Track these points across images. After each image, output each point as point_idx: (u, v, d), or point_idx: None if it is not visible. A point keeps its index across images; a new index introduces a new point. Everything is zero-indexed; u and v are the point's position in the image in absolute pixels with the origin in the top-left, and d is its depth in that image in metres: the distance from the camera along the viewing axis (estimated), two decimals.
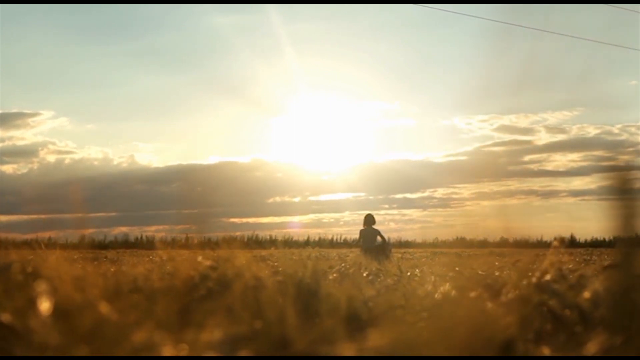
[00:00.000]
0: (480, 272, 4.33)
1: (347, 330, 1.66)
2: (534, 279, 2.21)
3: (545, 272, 2.34)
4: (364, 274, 4.86)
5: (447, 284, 2.30)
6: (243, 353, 1.30)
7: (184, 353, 1.22)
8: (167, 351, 1.21)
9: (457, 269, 5.56)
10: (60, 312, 1.35)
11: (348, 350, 1.35)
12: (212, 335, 1.25)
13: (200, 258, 2.37)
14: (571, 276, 3.11)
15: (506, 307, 1.79)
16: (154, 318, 1.43)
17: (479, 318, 1.50)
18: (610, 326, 1.61)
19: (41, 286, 1.41)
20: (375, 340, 1.39)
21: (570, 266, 6.22)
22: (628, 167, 1.90)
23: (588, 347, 1.47)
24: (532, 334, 1.56)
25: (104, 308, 1.39)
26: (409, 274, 4.47)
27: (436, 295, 2.08)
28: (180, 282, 2.09)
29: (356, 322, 1.84)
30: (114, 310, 1.39)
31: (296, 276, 2.27)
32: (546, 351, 1.46)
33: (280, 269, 2.62)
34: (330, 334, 1.51)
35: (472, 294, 2.23)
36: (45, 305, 1.33)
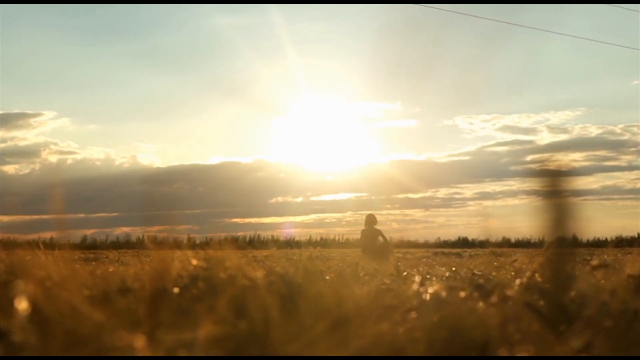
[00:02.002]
0: (476, 272, 4.35)
1: (333, 330, 1.67)
2: (524, 279, 2.22)
3: (534, 272, 2.34)
4: (361, 274, 4.87)
5: (438, 284, 2.30)
6: (222, 353, 1.31)
7: (159, 353, 1.23)
8: (141, 351, 1.22)
9: (453, 269, 5.58)
10: (41, 313, 1.36)
11: (331, 350, 1.35)
12: (190, 335, 1.26)
13: (192, 258, 2.38)
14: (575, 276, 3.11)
15: (493, 308, 1.79)
16: (135, 318, 1.44)
17: (462, 318, 1.50)
18: (594, 326, 1.61)
19: (20, 286, 1.42)
20: (360, 340, 1.39)
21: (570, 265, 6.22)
22: (558, 172, 1.92)
23: (569, 347, 1.48)
24: (516, 335, 1.57)
25: (85, 308, 1.40)
26: (405, 273, 4.47)
27: (425, 296, 2.09)
28: (170, 283, 2.10)
29: (344, 321, 1.85)
30: (96, 310, 1.40)
31: (287, 276, 2.28)
32: (525, 351, 1.46)
33: (277, 269, 2.63)
34: (315, 333, 1.51)
35: (462, 294, 2.24)
36: (23, 305, 1.34)
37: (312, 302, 1.99)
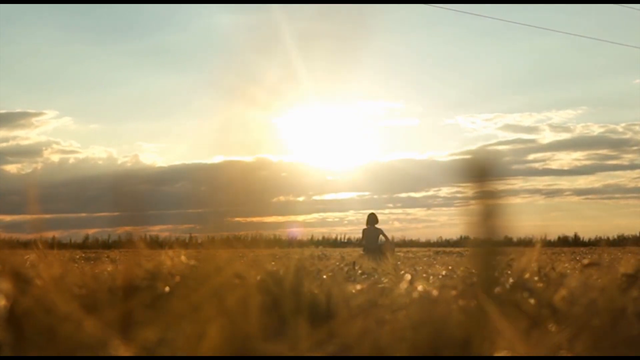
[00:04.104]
0: (473, 271, 4.34)
1: (321, 328, 1.67)
2: (513, 278, 2.21)
3: (524, 271, 2.34)
4: (358, 273, 4.88)
5: (427, 283, 2.30)
6: (203, 351, 1.31)
7: (138, 352, 1.23)
8: (119, 350, 1.22)
9: (450, 267, 5.58)
10: (22, 312, 1.36)
11: (312, 349, 1.35)
12: (171, 334, 1.26)
13: (183, 257, 2.38)
14: (566, 275, 3.11)
15: (482, 306, 1.79)
16: (119, 317, 1.45)
17: (447, 317, 1.50)
18: (581, 324, 1.61)
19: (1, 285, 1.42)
20: (343, 338, 1.40)
21: (567, 265, 6.22)
22: (488, 171, 1.92)
23: (553, 345, 1.48)
24: (500, 333, 1.57)
25: (67, 307, 1.40)
26: (402, 272, 4.47)
27: (414, 294, 2.09)
28: (161, 282, 2.11)
29: (332, 320, 1.85)
30: (79, 309, 1.41)
31: (277, 275, 2.29)
32: (506, 350, 1.47)
33: (268, 267, 2.63)
34: (299, 332, 1.52)
35: (453, 292, 2.24)
36: (1, 303, 1.35)
37: (301, 301, 1.99)
